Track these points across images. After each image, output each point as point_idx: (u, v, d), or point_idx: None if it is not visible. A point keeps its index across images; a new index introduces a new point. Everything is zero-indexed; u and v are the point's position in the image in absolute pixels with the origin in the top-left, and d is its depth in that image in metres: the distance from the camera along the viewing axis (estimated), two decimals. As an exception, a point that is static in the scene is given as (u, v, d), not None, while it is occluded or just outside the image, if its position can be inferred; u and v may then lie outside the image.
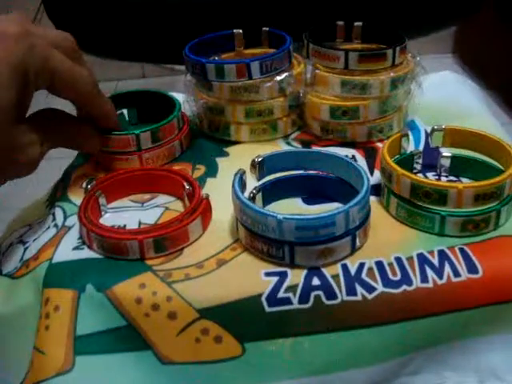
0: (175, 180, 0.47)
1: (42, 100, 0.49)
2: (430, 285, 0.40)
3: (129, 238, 0.41)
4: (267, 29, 0.59)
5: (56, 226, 0.46)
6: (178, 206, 0.47)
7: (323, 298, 0.39)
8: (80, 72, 0.44)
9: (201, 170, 0.52)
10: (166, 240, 0.41)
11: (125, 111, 0.58)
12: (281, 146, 0.55)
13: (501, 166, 0.45)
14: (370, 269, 0.40)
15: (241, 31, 0.59)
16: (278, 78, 0.54)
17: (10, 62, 0.39)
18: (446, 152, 0.49)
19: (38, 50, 0.41)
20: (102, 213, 0.47)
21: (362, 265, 0.40)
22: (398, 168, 0.43)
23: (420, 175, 0.48)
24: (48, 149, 0.45)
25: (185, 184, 0.46)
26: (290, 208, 0.46)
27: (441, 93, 0.61)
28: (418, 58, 0.55)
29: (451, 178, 0.49)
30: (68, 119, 0.48)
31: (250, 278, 0.40)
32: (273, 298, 0.39)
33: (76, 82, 0.44)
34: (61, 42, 0.44)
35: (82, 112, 0.49)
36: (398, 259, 0.41)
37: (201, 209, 0.43)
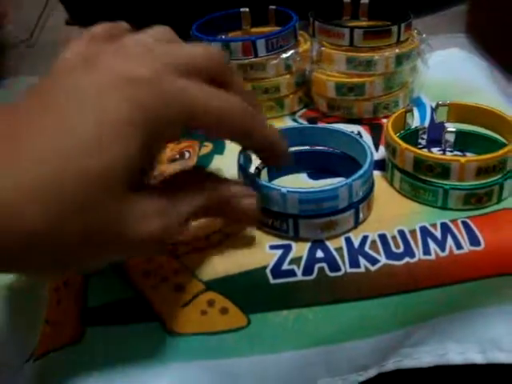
0: None
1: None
2: (433, 257, 0.40)
3: None
4: (274, 7, 0.59)
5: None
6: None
7: (327, 270, 0.40)
8: (226, 102, 0.33)
9: (208, 147, 0.53)
10: None
11: None
12: (287, 123, 0.56)
13: (504, 140, 0.45)
14: (373, 241, 0.41)
15: (247, 10, 0.60)
16: (284, 55, 0.54)
17: (138, 110, 0.29)
18: (451, 127, 0.49)
19: (172, 94, 0.30)
20: None
21: (365, 237, 0.41)
22: (402, 142, 0.43)
23: (425, 150, 0.48)
24: (183, 219, 0.33)
25: None
26: (296, 183, 0.47)
27: (447, 69, 0.62)
28: (424, 35, 0.56)
29: (456, 152, 0.49)
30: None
31: (255, 250, 0.41)
32: (277, 270, 0.40)
33: (221, 116, 0.32)
34: (204, 65, 0.33)
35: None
36: (401, 232, 0.41)
37: None
